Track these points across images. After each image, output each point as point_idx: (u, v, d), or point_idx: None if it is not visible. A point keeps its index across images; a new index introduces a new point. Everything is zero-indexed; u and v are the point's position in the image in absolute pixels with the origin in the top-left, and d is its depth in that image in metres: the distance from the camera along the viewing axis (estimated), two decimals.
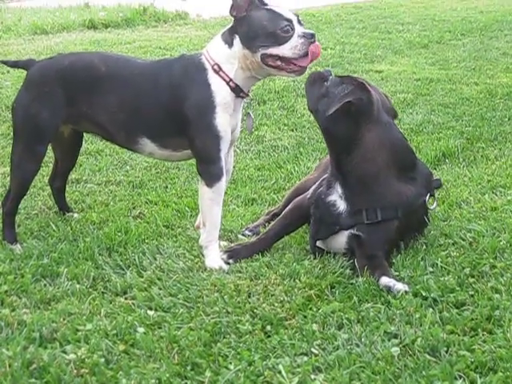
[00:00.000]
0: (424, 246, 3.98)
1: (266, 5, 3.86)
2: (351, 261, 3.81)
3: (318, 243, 3.97)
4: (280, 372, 2.85)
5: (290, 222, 4.12)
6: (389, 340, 3.07)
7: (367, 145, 3.79)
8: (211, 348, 3.03)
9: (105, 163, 5.56)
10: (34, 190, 4.86)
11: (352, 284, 3.58)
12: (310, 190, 4.11)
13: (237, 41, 3.83)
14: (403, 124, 6.54)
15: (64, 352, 2.97)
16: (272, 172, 5.41)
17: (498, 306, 3.31)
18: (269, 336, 3.15)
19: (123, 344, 3.05)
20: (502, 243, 3.96)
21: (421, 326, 3.17)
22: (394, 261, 3.80)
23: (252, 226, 4.35)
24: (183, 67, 3.93)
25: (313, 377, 2.84)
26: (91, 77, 3.97)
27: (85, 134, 4.44)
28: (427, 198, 4.01)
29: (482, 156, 5.73)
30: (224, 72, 3.85)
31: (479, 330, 3.15)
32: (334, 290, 3.55)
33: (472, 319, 3.22)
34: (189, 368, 2.89)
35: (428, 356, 2.95)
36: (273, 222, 4.18)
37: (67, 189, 4.66)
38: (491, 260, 3.78)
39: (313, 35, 3.80)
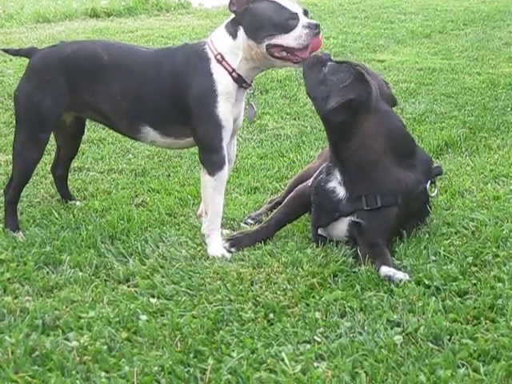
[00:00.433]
0: (427, 235, 3.97)
1: None
2: (354, 249, 3.81)
3: (320, 231, 3.97)
4: (283, 360, 2.86)
5: (291, 210, 4.12)
6: (391, 328, 3.07)
7: (365, 133, 3.78)
8: (214, 336, 3.03)
9: (107, 151, 5.56)
10: (36, 178, 4.86)
11: (354, 272, 3.58)
12: (312, 178, 4.11)
13: (241, 32, 3.82)
14: (405, 113, 6.54)
15: (67, 339, 2.97)
16: (274, 161, 5.41)
17: (500, 295, 3.31)
18: (271, 324, 3.15)
19: (126, 331, 3.05)
20: (504, 232, 3.95)
21: (423, 314, 3.17)
22: (396, 249, 3.80)
23: (254, 215, 4.35)
24: (186, 56, 3.92)
25: (316, 364, 2.84)
26: (94, 65, 3.97)
27: (87, 123, 4.44)
28: (428, 185, 4.00)
29: (484, 146, 5.73)
30: (227, 62, 3.84)
31: (482, 318, 3.15)
32: (336, 278, 3.55)
33: (475, 308, 3.22)
34: (191, 355, 2.89)
35: (431, 344, 2.96)
36: (275, 211, 4.17)
37: (70, 177, 4.66)
38: (494, 249, 3.78)
39: (317, 26, 3.79)
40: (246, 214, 4.38)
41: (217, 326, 3.11)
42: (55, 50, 4.12)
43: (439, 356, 2.87)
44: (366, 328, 3.08)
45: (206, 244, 3.92)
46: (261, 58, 3.84)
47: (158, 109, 3.94)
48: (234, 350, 2.91)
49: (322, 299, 3.32)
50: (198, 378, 2.77)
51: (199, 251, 3.87)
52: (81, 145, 4.60)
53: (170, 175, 5.11)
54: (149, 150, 5.56)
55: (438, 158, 5.39)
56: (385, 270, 3.53)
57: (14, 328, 3.05)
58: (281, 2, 3.80)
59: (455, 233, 4.00)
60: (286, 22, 3.74)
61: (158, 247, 3.89)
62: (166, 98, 3.91)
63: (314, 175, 4.10)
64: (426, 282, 3.43)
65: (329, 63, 3.88)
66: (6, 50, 4.40)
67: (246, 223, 4.28)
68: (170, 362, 2.82)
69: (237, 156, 4.91)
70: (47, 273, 3.60)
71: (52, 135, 4.26)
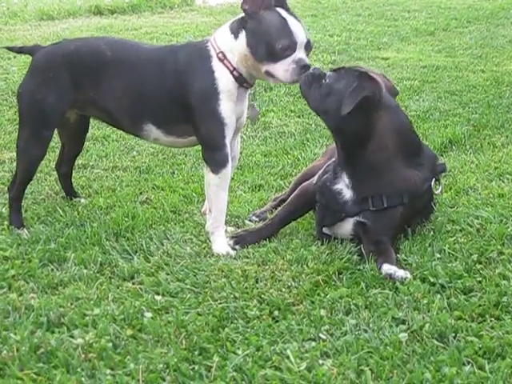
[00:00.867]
0: (431, 233, 3.97)
1: (283, 5, 3.80)
2: (358, 247, 3.81)
3: (325, 229, 3.96)
4: (288, 357, 2.85)
5: (296, 208, 4.12)
6: (397, 326, 3.07)
7: (380, 132, 3.75)
8: (219, 333, 3.03)
9: (112, 149, 5.56)
10: (40, 176, 4.86)
11: (359, 270, 3.58)
12: (316, 176, 4.10)
13: (243, 35, 3.79)
14: (410, 111, 6.53)
15: (71, 336, 2.97)
16: (279, 158, 5.40)
17: (505, 293, 3.31)
18: (277, 321, 3.15)
19: (131, 329, 3.05)
20: (509, 230, 3.95)
21: (428, 311, 3.17)
22: (401, 247, 3.80)
23: (259, 212, 4.35)
24: (188, 54, 3.91)
25: (321, 362, 2.84)
26: (97, 62, 3.96)
27: (91, 120, 4.43)
28: (432, 182, 3.99)
29: (488, 143, 5.72)
30: (228, 60, 3.83)
31: (487, 316, 3.15)
32: (341, 275, 3.55)
33: (480, 305, 3.21)
34: (196, 353, 2.89)
35: (436, 342, 2.96)
36: (279, 208, 4.17)
37: (74, 174, 4.66)
38: (499, 246, 3.77)
39: (306, 67, 3.75)
40: (251, 212, 4.38)
41: (222, 324, 3.11)
42: (58, 47, 4.12)
43: (444, 353, 2.87)
44: (371, 325, 3.08)
45: (210, 241, 3.92)
46: (257, 70, 3.82)
47: (161, 106, 3.94)
48: (239, 348, 2.92)
49: (327, 297, 3.32)
50: (204, 375, 2.77)
51: (204, 248, 3.87)
52: (85, 142, 4.59)
53: (174, 172, 5.11)
54: (153, 148, 5.56)
55: (442, 155, 5.38)
56: (386, 267, 3.52)
57: (18, 325, 3.04)
58: (291, 22, 3.74)
59: (460, 230, 4.00)
60: (279, 51, 3.70)
61: (162, 244, 3.89)
62: (169, 96, 3.90)
63: (319, 173, 4.09)
64: (431, 280, 3.43)
65: (328, 74, 3.86)
66: (9, 48, 4.40)
67: (250, 220, 4.28)
68: (175, 360, 2.81)
69: (241, 153, 4.90)
70: (52, 270, 3.60)
71: (56, 132, 4.26)
